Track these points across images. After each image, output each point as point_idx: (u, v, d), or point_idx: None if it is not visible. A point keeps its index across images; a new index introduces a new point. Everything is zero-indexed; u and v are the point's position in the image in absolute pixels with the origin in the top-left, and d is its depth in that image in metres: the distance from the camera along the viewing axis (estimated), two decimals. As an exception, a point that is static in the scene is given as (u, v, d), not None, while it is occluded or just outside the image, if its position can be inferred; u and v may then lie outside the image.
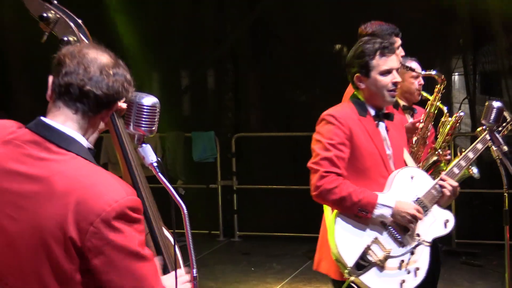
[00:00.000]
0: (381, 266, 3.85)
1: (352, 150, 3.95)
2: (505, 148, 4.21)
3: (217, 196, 9.76)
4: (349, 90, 4.85)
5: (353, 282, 3.78)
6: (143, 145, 2.59)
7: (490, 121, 4.26)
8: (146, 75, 10.32)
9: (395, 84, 4.04)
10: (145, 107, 2.59)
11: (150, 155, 2.57)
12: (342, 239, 3.84)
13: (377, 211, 3.84)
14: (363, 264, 3.81)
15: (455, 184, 4.10)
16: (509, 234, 4.89)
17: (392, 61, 4.07)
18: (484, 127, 4.39)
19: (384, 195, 3.92)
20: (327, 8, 9.10)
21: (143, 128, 2.60)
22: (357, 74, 4.02)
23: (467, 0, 8.86)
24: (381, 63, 4.00)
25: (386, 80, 3.99)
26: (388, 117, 4.18)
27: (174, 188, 2.50)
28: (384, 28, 4.95)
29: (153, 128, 2.63)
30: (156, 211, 2.85)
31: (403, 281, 3.91)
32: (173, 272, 2.64)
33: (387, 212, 3.87)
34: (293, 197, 9.32)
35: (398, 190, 4.00)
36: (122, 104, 2.56)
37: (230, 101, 10.05)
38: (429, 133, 5.16)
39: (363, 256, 3.81)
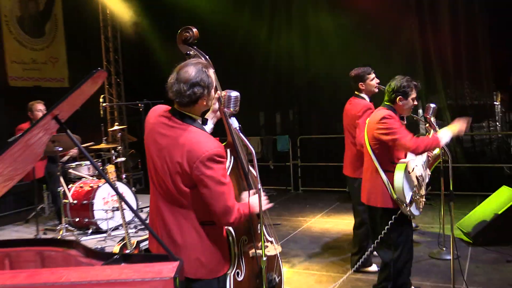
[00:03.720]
0: (417, 201, 3.77)
1: None
2: (438, 129, 4.03)
3: (289, 168, 9.80)
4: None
5: (407, 211, 3.71)
6: (232, 118, 2.57)
7: (429, 115, 4.20)
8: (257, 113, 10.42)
9: (414, 105, 3.91)
10: (232, 97, 2.56)
11: (235, 123, 2.55)
12: (405, 188, 3.67)
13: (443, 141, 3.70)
14: (411, 201, 3.70)
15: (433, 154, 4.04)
16: (443, 185, 4.98)
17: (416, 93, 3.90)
18: (423, 117, 4.39)
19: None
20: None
21: (231, 108, 2.57)
22: (400, 96, 3.78)
23: (422, 66, 8.65)
24: (414, 93, 3.81)
25: (412, 102, 3.83)
26: (403, 119, 4.02)
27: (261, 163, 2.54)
28: (361, 70, 4.76)
29: (237, 108, 2.59)
30: (247, 162, 2.84)
31: (421, 208, 3.85)
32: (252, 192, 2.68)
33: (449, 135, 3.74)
34: (330, 170, 9.42)
35: (418, 158, 3.89)
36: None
37: (296, 119, 10.19)
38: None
39: (411, 199, 3.70)
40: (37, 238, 5.32)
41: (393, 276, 3.87)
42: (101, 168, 6.64)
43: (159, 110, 2.58)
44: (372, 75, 4.76)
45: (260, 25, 9.85)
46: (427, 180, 4.01)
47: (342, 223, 6.96)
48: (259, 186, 2.54)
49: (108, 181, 2.24)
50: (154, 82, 10.19)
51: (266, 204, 2.70)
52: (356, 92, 4.85)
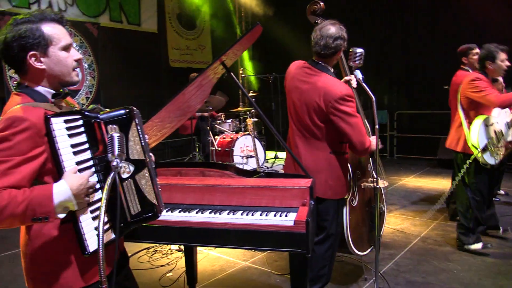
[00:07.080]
0: (492, 151, 3.52)
1: None
2: None
3: (387, 138, 9.35)
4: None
5: (480, 157, 3.51)
6: (356, 70, 2.48)
7: None
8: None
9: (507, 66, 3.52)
10: (358, 52, 2.48)
11: (359, 74, 2.48)
12: (480, 135, 3.46)
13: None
14: (484, 149, 3.49)
15: None
16: None
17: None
18: None
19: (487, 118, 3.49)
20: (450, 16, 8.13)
21: (356, 62, 2.48)
22: (488, 61, 3.46)
23: None
24: (502, 56, 3.45)
25: (502, 64, 3.48)
26: (497, 81, 3.61)
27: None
28: (465, 46, 4.29)
29: (361, 63, 2.50)
30: (363, 113, 2.81)
31: (497, 160, 3.57)
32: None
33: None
34: (421, 140, 8.85)
35: (501, 116, 3.58)
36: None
37: (395, 98, 9.64)
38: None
39: (485, 147, 3.48)
40: (200, 162, 5.69)
41: (472, 213, 3.71)
42: (239, 125, 6.90)
43: (298, 63, 2.62)
44: (476, 50, 4.23)
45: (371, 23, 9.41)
46: (510, 138, 3.65)
47: (433, 183, 6.52)
48: (377, 126, 2.49)
49: (267, 122, 2.30)
50: (276, 62, 10.52)
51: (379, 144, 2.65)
52: (461, 66, 4.39)
